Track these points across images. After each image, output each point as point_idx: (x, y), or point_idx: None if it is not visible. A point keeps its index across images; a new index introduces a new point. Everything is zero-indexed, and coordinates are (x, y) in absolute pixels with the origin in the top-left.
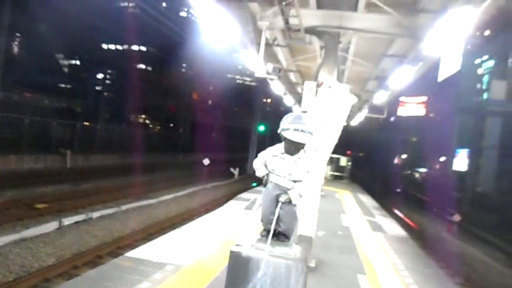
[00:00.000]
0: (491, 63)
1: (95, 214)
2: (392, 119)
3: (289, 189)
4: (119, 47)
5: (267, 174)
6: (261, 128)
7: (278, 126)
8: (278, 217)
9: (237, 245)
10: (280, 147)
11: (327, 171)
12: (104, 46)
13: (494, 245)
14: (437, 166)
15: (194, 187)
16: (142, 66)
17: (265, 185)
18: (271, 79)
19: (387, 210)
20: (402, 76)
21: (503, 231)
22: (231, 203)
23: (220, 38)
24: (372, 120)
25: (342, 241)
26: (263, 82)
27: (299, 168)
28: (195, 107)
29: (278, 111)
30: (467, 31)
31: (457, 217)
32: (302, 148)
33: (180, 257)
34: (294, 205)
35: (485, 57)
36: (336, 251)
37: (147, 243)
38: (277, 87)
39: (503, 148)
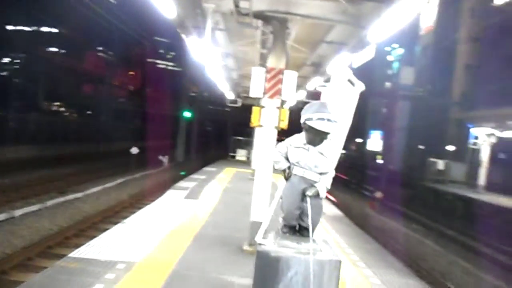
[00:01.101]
0: (400, 51)
1: (18, 212)
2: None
3: (316, 182)
4: (27, 28)
5: (289, 167)
6: (187, 114)
7: (207, 113)
8: (302, 211)
9: (260, 244)
10: (301, 137)
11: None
12: (9, 27)
13: (411, 218)
14: (354, 147)
15: (122, 177)
16: (55, 49)
17: (287, 179)
18: (225, 64)
19: None
20: (340, 62)
21: (415, 204)
22: (170, 192)
23: (143, 19)
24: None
25: None
26: (189, 67)
27: (325, 159)
28: (117, 94)
29: (210, 98)
30: (408, 21)
31: (379, 194)
32: (326, 138)
33: (130, 254)
34: (321, 199)
35: (395, 45)
36: None
37: (91, 241)
38: (214, 73)
39: (411, 129)
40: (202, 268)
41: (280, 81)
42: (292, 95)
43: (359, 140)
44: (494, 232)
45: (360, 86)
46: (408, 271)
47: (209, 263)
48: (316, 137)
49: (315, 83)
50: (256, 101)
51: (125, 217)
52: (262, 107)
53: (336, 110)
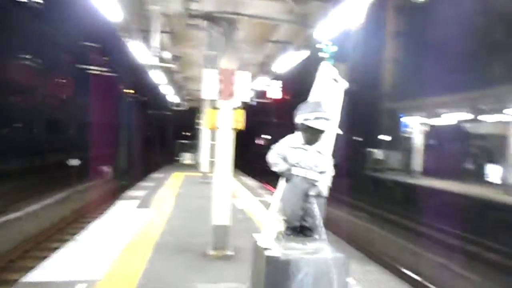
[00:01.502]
0: (334, 48)
1: None
2: (254, 103)
3: (317, 181)
4: None
5: (289, 169)
6: (128, 120)
7: (149, 118)
8: (305, 212)
9: (265, 249)
10: (297, 138)
11: (209, 158)
12: None
13: (355, 206)
14: None
15: (62, 192)
16: None
17: (287, 180)
18: (168, 68)
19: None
20: (286, 61)
21: (358, 193)
22: (121, 203)
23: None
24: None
25: (245, 225)
26: (129, 72)
27: (324, 158)
28: (49, 103)
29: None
30: (357, 20)
31: None
32: (321, 137)
33: (89, 272)
34: (323, 198)
35: (329, 42)
36: (245, 235)
37: (42, 263)
38: (157, 76)
39: (348, 122)
40: (169, 279)
41: (233, 82)
42: (246, 95)
43: None
44: (432, 213)
45: (344, 84)
46: (367, 259)
47: (176, 272)
48: (314, 136)
49: (261, 82)
50: (202, 103)
51: (72, 234)
52: (217, 109)
53: (329, 108)
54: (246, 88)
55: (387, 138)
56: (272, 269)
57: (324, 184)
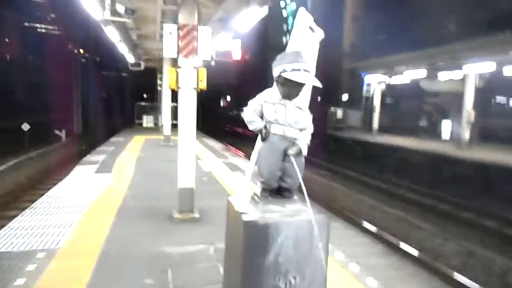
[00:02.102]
0: (294, 5)
1: None
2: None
3: (297, 139)
4: None
5: (266, 126)
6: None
7: (105, 80)
8: (284, 172)
9: (242, 213)
10: (274, 92)
11: (171, 120)
12: None
13: (316, 165)
14: None
15: (14, 158)
16: None
17: (264, 139)
18: (122, 23)
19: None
20: (247, 18)
21: (319, 152)
22: (78, 168)
23: None
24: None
25: (210, 187)
26: (79, 31)
27: (303, 114)
28: None
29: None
30: None
31: None
32: (301, 90)
33: (48, 240)
34: (303, 157)
35: (288, 0)
36: (210, 197)
37: None
38: (112, 34)
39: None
40: (135, 243)
41: (194, 39)
42: (208, 53)
43: None
44: (389, 169)
45: (320, 34)
46: (331, 215)
47: (141, 236)
48: (293, 90)
49: (222, 39)
50: (162, 63)
51: (30, 201)
52: (178, 67)
53: (308, 59)
54: (208, 45)
55: (349, 97)
56: (250, 234)
57: (304, 142)
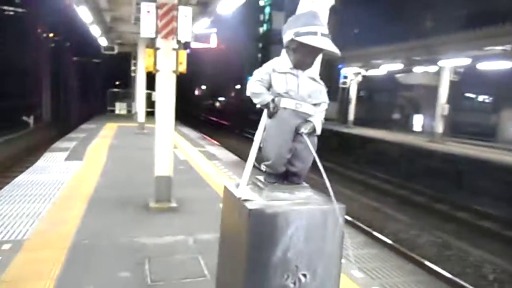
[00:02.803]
0: None
1: None
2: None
3: (311, 116)
4: None
5: (274, 100)
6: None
7: (76, 65)
8: (294, 154)
9: (245, 200)
10: (284, 60)
11: (144, 107)
12: None
13: None
14: (233, 94)
15: None
16: None
17: (272, 115)
18: (96, 2)
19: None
20: (231, 2)
21: None
22: (48, 155)
23: None
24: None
25: (187, 176)
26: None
27: (318, 86)
28: None
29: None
30: None
31: None
32: (316, 59)
33: (14, 231)
34: (316, 136)
35: None
36: (188, 186)
37: None
38: (84, 15)
39: None
40: (108, 234)
41: (174, 18)
42: (188, 35)
43: (238, 86)
44: (364, 160)
45: None
46: None
47: (115, 227)
48: (307, 57)
49: (202, 25)
50: (136, 48)
51: None
52: (157, 48)
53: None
54: (188, 26)
55: (326, 88)
56: (256, 224)
57: (319, 119)
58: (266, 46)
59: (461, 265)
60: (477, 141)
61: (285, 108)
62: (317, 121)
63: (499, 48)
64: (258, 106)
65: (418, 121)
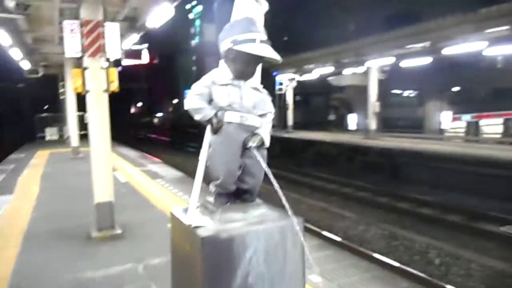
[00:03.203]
0: (200, 8)
1: None
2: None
3: (258, 128)
4: None
5: (217, 114)
6: None
7: None
8: (244, 170)
9: (195, 227)
10: (223, 71)
11: (77, 131)
12: None
13: None
14: (171, 109)
15: None
16: None
17: (216, 131)
18: (13, 22)
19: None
20: (156, 16)
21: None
22: None
23: None
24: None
25: (130, 198)
26: None
27: (262, 96)
28: None
29: None
30: None
31: None
32: (257, 67)
33: None
34: (265, 149)
35: (194, 2)
36: (132, 209)
37: None
38: (2, 36)
39: None
40: (49, 272)
41: (101, 36)
42: (118, 52)
43: (175, 101)
44: (307, 162)
45: (265, 5)
46: None
47: (56, 263)
48: (248, 67)
49: (131, 41)
50: (63, 69)
51: None
52: (85, 68)
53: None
54: (117, 43)
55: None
56: (211, 253)
57: (266, 130)
58: (200, 58)
59: (408, 254)
60: (407, 134)
61: (229, 123)
62: (265, 133)
63: (419, 45)
64: (199, 121)
65: (352, 120)
